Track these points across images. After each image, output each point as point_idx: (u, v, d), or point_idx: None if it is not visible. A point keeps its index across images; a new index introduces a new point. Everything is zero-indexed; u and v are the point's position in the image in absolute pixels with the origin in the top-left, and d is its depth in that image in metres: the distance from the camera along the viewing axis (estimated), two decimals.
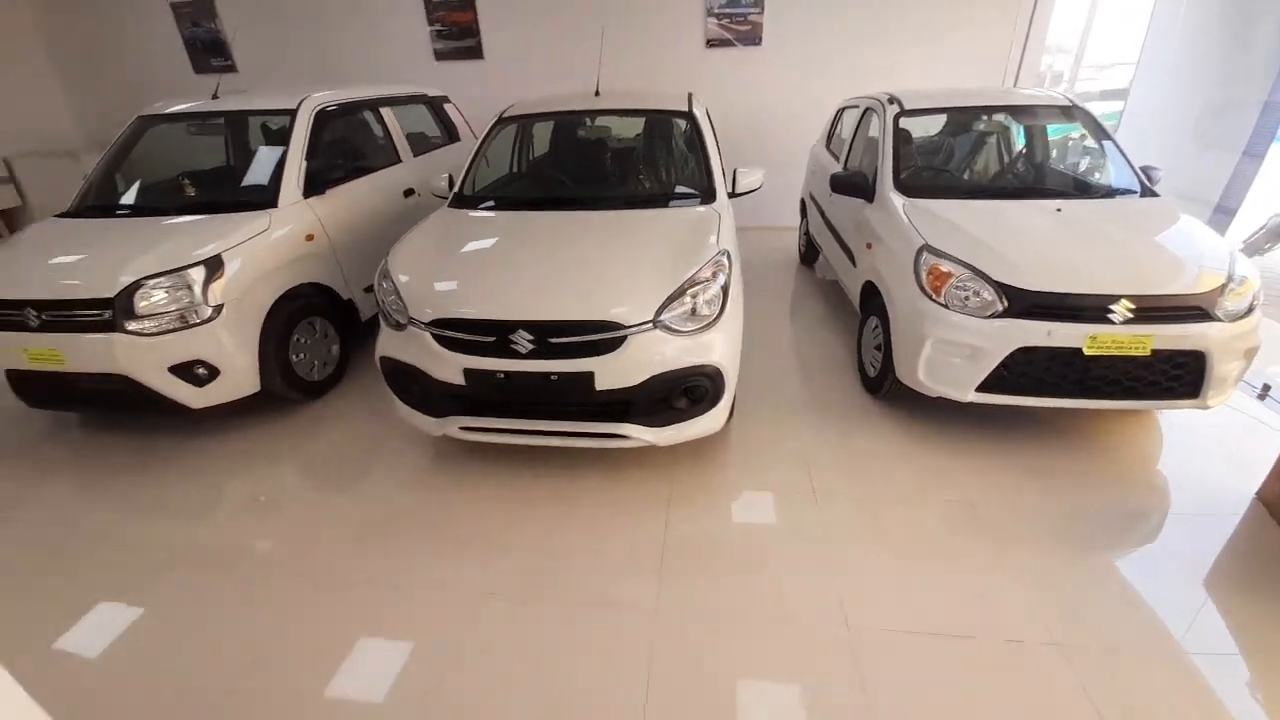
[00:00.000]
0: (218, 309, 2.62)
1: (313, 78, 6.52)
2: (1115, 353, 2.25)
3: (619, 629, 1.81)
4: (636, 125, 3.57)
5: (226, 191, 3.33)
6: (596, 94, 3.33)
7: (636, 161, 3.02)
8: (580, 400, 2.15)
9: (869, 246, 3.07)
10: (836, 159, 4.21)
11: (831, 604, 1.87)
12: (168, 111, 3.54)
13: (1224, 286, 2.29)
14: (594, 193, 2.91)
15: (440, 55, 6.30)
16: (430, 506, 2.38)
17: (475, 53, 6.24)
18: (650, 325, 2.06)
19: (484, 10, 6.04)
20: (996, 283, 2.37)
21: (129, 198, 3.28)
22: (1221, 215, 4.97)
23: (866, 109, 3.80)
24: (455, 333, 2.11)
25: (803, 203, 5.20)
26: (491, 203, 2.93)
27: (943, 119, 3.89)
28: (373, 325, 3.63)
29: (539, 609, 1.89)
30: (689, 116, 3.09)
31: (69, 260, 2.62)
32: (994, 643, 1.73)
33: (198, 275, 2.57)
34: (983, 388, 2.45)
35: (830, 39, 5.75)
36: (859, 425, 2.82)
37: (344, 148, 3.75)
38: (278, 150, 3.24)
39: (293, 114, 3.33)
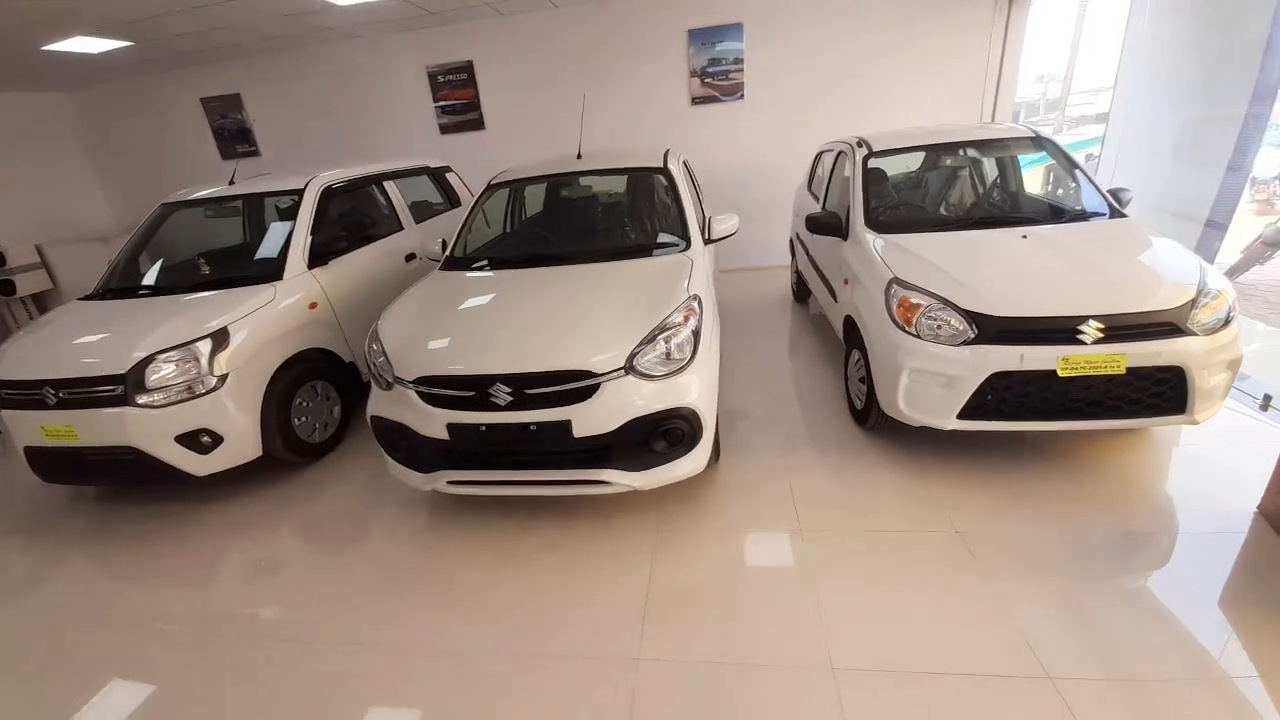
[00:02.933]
0: (223, 378, 2.77)
1: (328, 157, 7.03)
2: (1090, 373, 2.25)
3: (601, 683, 1.78)
4: (620, 183, 3.77)
5: (237, 268, 3.56)
6: (579, 156, 3.55)
7: (619, 216, 3.19)
8: (560, 448, 2.20)
9: (846, 283, 3.14)
10: (816, 200, 4.35)
11: (817, 646, 1.83)
12: (188, 198, 3.85)
13: (1194, 300, 2.29)
14: (577, 247, 3.07)
15: (445, 129, 6.76)
16: (426, 565, 2.41)
17: (477, 125, 6.68)
18: (623, 371, 2.14)
19: (484, 86, 6.51)
20: (964, 310, 2.41)
21: (149, 279, 3.53)
22: (1213, 230, 4.96)
23: (840, 152, 3.97)
24: (438, 389, 2.20)
25: (791, 243, 5.34)
26: (483, 263, 3.09)
27: (919, 156, 4.03)
28: None
29: (529, 668, 1.88)
30: (664, 171, 3.27)
31: (85, 341, 2.82)
32: (986, 679, 1.67)
33: (204, 348, 2.74)
34: (964, 414, 2.45)
35: (809, 88, 6.05)
36: (848, 458, 2.80)
37: (348, 220, 4.01)
38: (285, 227, 3.49)
39: (300, 193, 3.60)
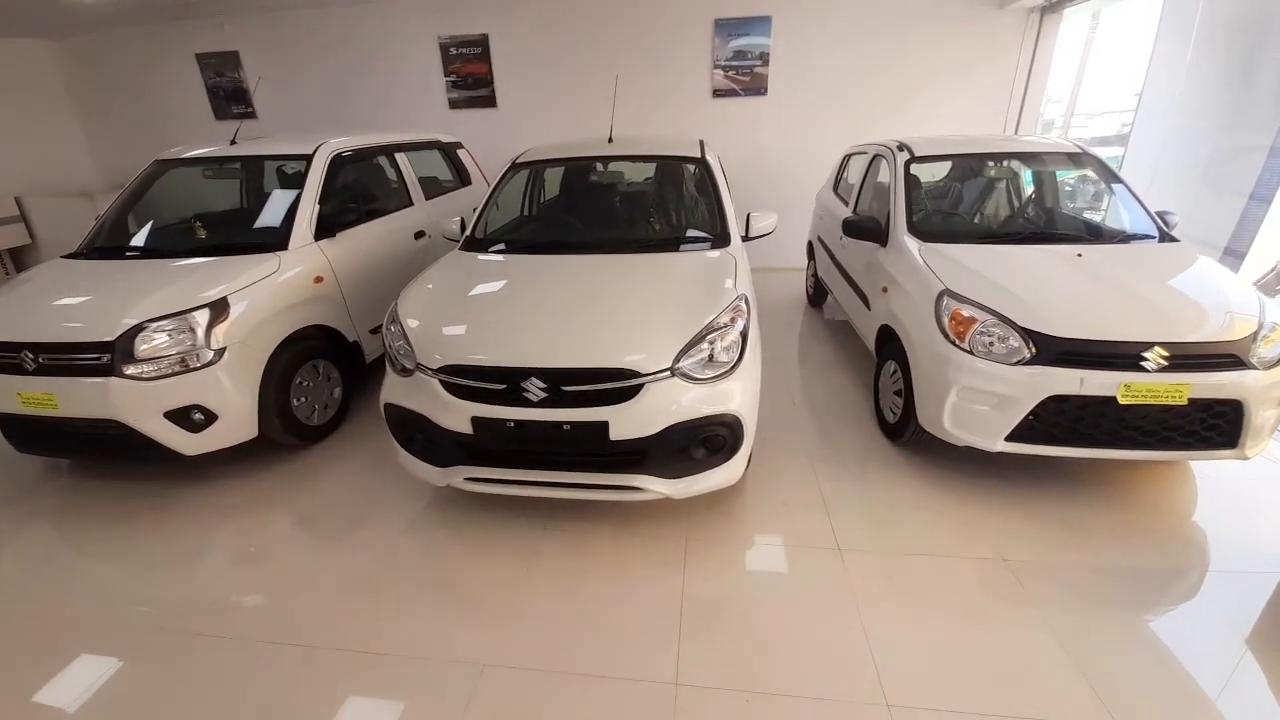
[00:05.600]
0: (220, 352, 2.56)
1: (328, 125, 6.72)
2: (1150, 401, 2.16)
3: (636, 706, 1.65)
4: (648, 170, 3.60)
5: (238, 234, 3.32)
6: (610, 140, 3.37)
7: (649, 206, 3.02)
8: (593, 451, 2.04)
9: (884, 290, 3.02)
10: (845, 203, 4.23)
11: (868, 677, 1.71)
12: (185, 156, 3.59)
13: (1256, 333, 2.21)
14: (606, 236, 2.90)
15: (455, 104, 6.49)
16: (430, 562, 2.24)
17: (489, 102, 6.43)
18: (668, 373, 1.98)
19: (498, 61, 6.26)
20: (1023, 328, 2.30)
21: (139, 240, 3.27)
22: (1230, 258, 4.96)
23: (875, 155, 3.84)
24: (464, 379, 2.03)
25: (810, 245, 5.22)
26: (503, 245, 2.91)
27: (946, 165, 3.92)
28: (377, 367, 3.57)
29: (547, 681, 1.73)
30: (701, 162, 3.11)
31: (70, 303, 2.58)
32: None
33: (202, 318, 2.52)
34: (1012, 437, 2.35)
35: (833, 88, 5.92)
36: (881, 474, 2.69)
37: (357, 191, 3.78)
38: (291, 194, 3.26)
39: (308, 159, 3.37)
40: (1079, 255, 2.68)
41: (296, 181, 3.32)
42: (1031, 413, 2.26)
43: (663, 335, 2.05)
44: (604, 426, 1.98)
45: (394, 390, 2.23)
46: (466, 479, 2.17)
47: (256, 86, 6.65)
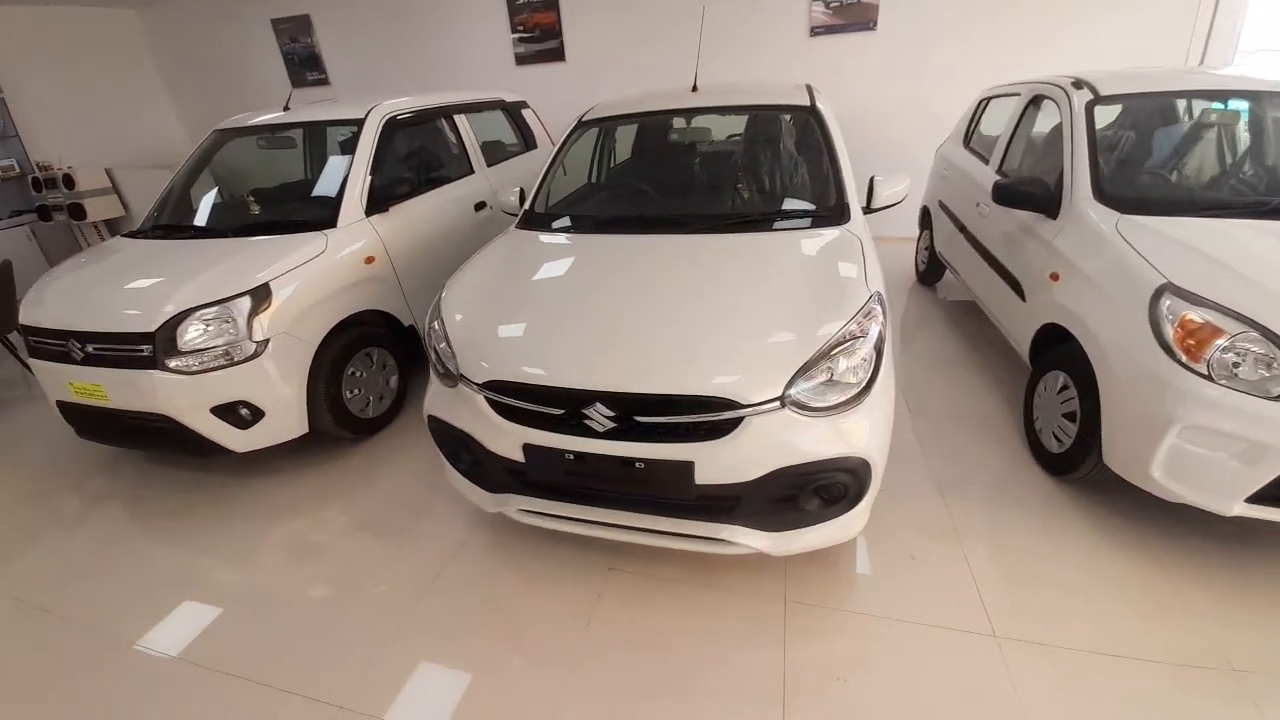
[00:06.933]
0: (263, 344, 2.33)
1: (398, 86, 6.49)
2: None
3: None
4: (739, 127, 2.97)
5: (286, 210, 3.10)
6: (694, 89, 2.78)
7: (742, 170, 2.43)
8: (673, 496, 1.60)
9: (1053, 278, 2.31)
10: (984, 160, 3.40)
11: None
12: (243, 125, 3.39)
13: None
14: (692, 211, 2.35)
15: (521, 60, 6.03)
16: (479, 587, 1.95)
17: (557, 55, 5.91)
18: (776, 403, 1.48)
19: (567, 11, 5.69)
20: None
21: (197, 217, 3.13)
22: None
23: (1035, 98, 2.99)
24: (514, 399, 1.63)
25: (924, 211, 4.38)
26: (568, 222, 2.46)
27: (1115, 109, 2.97)
28: None
29: None
30: (813, 112, 2.47)
31: (117, 289, 2.43)
32: None
33: (242, 306, 2.29)
34: (1258, 498, 1.67)
35: (960, 19, 4.87)
36: (1041, 524, 2.07)
37: (413, 159, 3.46)
38: (341, 165, 2.97)
39: (359, 124, 3.05)
40: None
41: (348, 149, 3.03)
42: None
43: (773, 352, 1.54)
44: (688, 468, 1.53)
45: (438, 401, 1.88)
46: (520, 510, 1.81)
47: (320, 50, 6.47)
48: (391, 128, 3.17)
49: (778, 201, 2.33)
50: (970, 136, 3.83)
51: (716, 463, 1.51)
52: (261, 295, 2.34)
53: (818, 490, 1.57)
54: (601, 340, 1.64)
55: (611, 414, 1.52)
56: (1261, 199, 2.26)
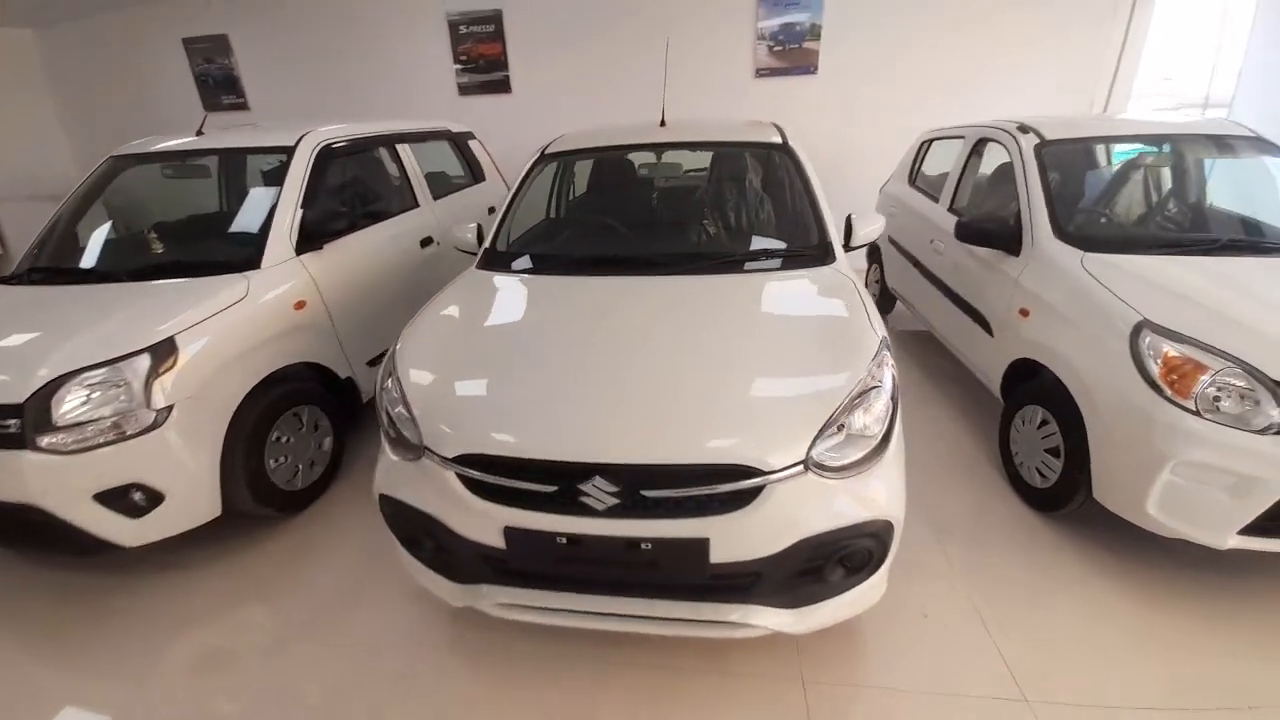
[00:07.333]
0: (165, 412, 1.93)
1: (329, 113, 6.08)
2: None
3: None
4: (704, 163, 2.89)
5: (198, 249, 2.69)
6: (662, 124, 2.68)
7: (720, 209, 2.34)
8: (684, 577, 1.40)
9: (1024, 314, 2.34)
10: (933, 199, 3.52)
11: None
12: (144, 151, 2.95)
13: None
14: (669, 250, 2.21)
15: (465, 89, 5.83)
16: (446, 702, 1.62)
17: (502, 87, 5.76)
18: (801, 467, 1.33)
19: (513, 41, 5.58)
20: (1276, 381, 1.62)
21: (86, 257, 2.65)
22: None
23: (980, 140, 3.13)
24: (494, 476, 1.38)
25: (873, 247, 4.51)
26: (534, 263, 2.24)
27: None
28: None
29: None
30: (786, 150, 2.42)
31: None
32: None
33: (139, 367, 1.89)
34: (1250, 529, 1.68)
35: (892, 66, 5.19)
36: (1039, 564, 2.03)
37: (351, 192, 3.15)
38: (266, 197, 2.62)
39: (289, 152, 2.72)
40: None
41: (275, 180, 2.68)
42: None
43: (789, 408, 1.39)
44: (702, 545, 1.33)
45: (392, 477, 1.59)
46: (498, 604, 1.53)
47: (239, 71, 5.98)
48: (326, 156, 2.85)
49: (757, 241, 2.25)
50: (915, 176, 3.99)
51: (735, 537, 1.33)
52: (164, 352, 1.95)
53: (842, 559, 1.42)
54: (599, 403, 1.43)
55: (614, 489, 1.30)
56: (1211, 237, 2.41)
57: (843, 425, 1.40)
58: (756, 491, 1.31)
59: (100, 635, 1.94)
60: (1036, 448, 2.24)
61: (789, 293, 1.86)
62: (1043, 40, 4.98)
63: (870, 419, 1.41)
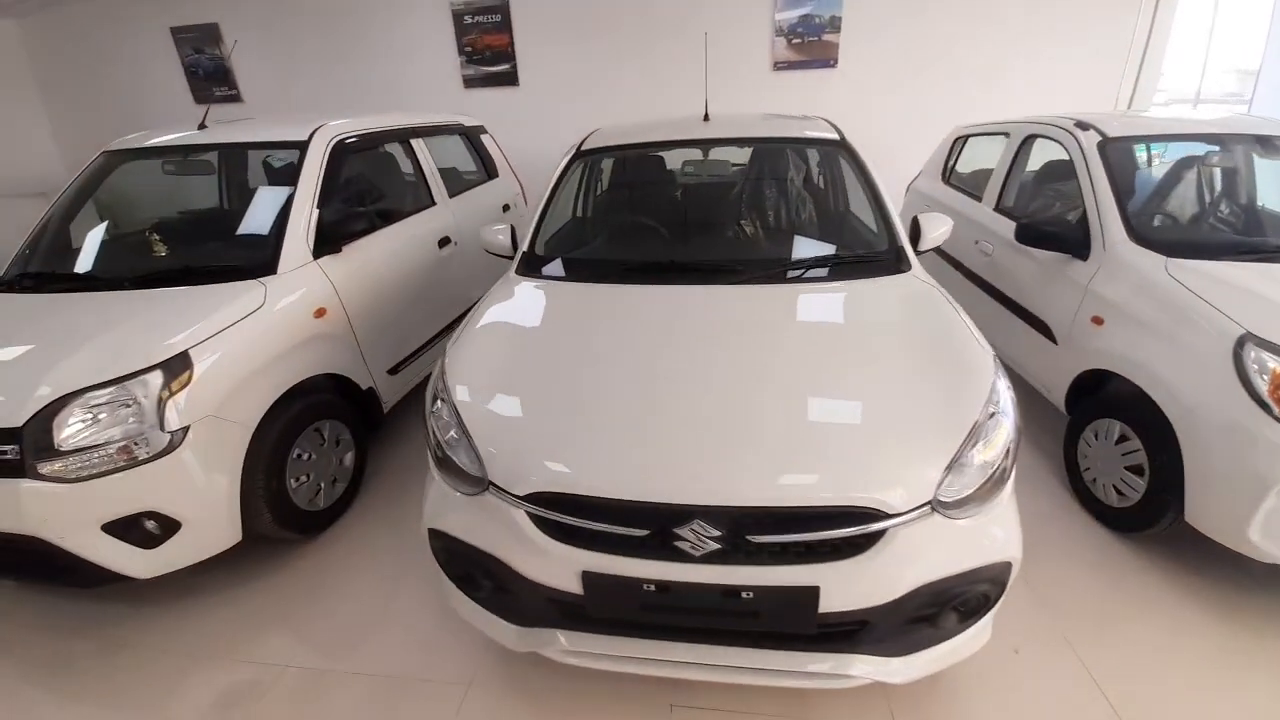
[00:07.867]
0: (181, 433, 1.75)
1: (328, 106, 5.84)
2: None
3: None
4: (757, 161, 2.69)
5: (208, 254, 2.48)
6: (705, 118, 2.51)
7: (780, 211, 2.15)
8: (787, 627, 1.25)
9: (1097, 321, 2.21)
10: (974, 197, 3.39)
11: None
12: (142, 145, 2.74)
13: None
14: (732, 256, 2.02)
15: (470, 82, 5.62)
16: None
17: (509, 79, 5.55)
18: (928, 508, 1.18)
19: (521, 31, 5.37)
20: None
21: (82, 262, 2.43)
22: None
23: (1029, 137, 3.00)
24: (574, 518, 1.22)
25: None
26: (583, 270, 2.05)
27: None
28: (399, 415, 2.76)
29: None
30: (844, 146, 2.26)
31: None
32: None
33: (151, 385, 1.71)
34: None
35: (917, 60, 5.06)
36: (1122, 588, 1.91)
37: (366, 190, 2.95)
38: (279, 196, 2.43)
39: (303, 148, 2.53)
40: None
41: (288, 178, 2.49)
42: None
43: (912, 442, 1.24)
44: (811, 594, 1.18)
45: (444, 510, 1.42)
46: (566, 651, 1.37)
47: (233, 50, 5.72)
48: (340, 152, 2.66)
49: (825, 246, 2.07)
50: (949, 173, 3.86)
51: (849, 585, 1.18)
52: (178, 368, 1.77)
53: (957, 605, 1.28)
54: (698, 437, 1.26)
55: (717, 533, 1.15)
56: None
57: (969, 459, 1.26)
58: (878, 535, 1.16)
59: (111, 669, 1.76)
60: (1115, 464, 2.12)
61: (874, 305, 1.70)
62: (1065, 32, 4.88)
63: (995, 451, 1.26)
